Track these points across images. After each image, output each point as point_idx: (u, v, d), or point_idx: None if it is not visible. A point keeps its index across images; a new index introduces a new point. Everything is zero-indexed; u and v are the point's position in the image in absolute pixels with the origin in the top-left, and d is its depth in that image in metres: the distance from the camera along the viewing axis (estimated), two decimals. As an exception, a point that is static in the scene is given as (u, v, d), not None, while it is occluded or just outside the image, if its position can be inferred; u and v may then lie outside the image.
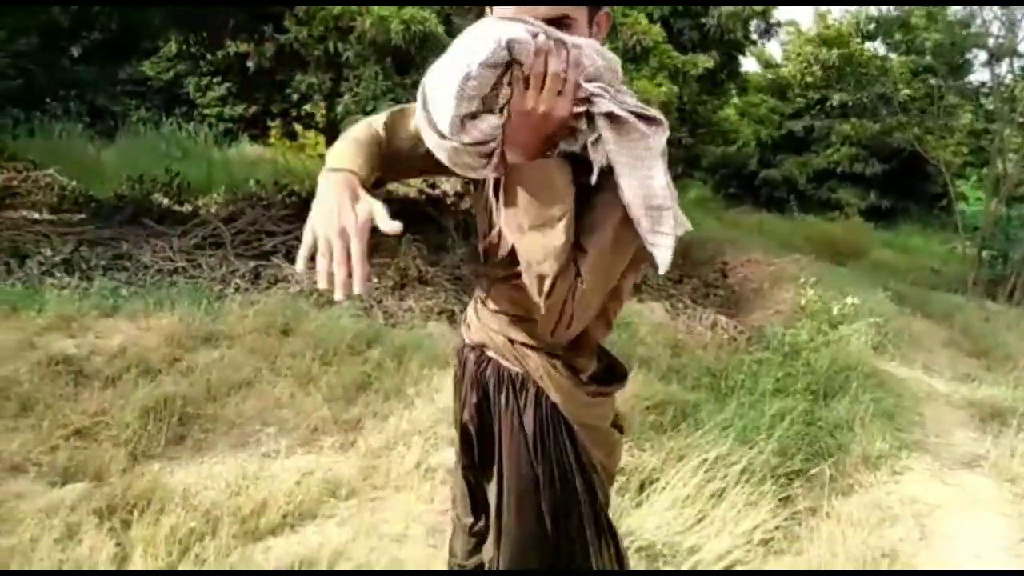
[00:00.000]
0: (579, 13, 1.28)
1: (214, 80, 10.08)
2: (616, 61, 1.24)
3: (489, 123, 1.20)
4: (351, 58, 5.40)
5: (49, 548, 2.49)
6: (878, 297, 7.05)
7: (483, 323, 1.61)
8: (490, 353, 1.60)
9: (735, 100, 14.31)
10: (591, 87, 1.19)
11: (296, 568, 2.54)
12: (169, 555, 2.53)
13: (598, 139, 1.22)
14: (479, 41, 1.15)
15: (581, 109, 1.20)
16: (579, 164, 1.27)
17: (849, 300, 6.09)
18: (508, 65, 1.16)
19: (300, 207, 7.92)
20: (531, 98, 1.18)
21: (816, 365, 5.08)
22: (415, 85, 4.48)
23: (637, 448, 3.55)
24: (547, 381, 1.50)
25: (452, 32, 5.54)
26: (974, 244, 11.18)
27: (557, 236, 1.26)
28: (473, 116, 1.20)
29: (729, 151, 15.52)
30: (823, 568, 2.93)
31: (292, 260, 6.22)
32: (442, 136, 1.23)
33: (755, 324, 6.25)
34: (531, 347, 1.51)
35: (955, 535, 3.29)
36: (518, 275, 1.39)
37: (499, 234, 1.46)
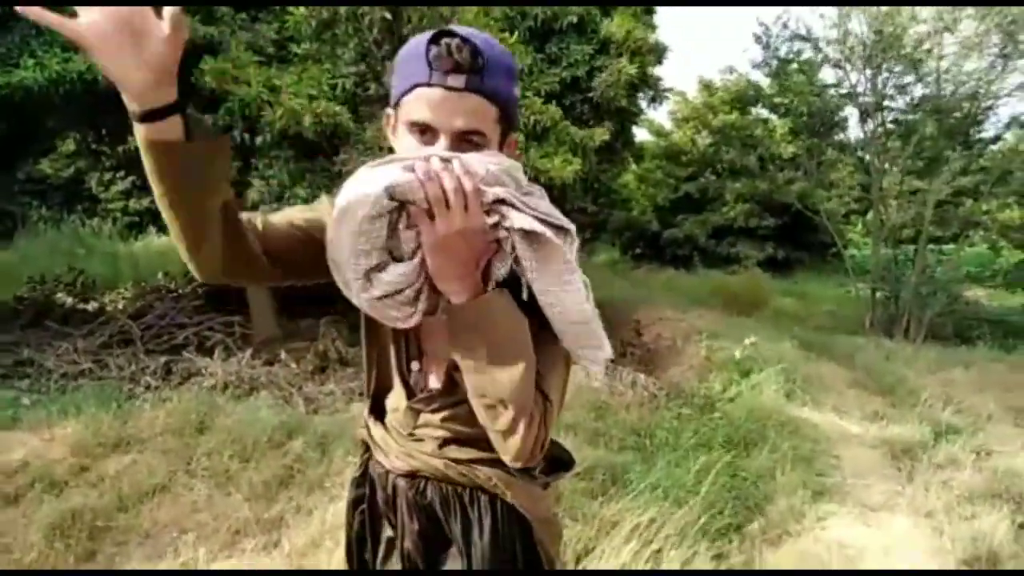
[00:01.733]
0: (492, 131, 1.23)
1: (117, 175, 9.83)
2: (514, 166, 1.18)
3: (395, 272, 1.16)
4: (264, 143, 5.40)
5: None
6: (784, 345, 7.35)
7: (408, 449, 1.48)
8: (426, 474, 1.47)
9: (632, 167, 14.94)
10: (496, 191, 1.12)
11: None
12: None
13: (517, 259, 1.17)
14: (358, 196, 1.11)
15: (493, 220, 1.13)
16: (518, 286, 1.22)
17: (747, 341, 6.33)
18: (398, 209, 1.12)
19: (211, 296, 7.73)
20: (440, 224, 1.11)
21: (733, 416, 5.23)
22: (325, 172, 4.49)
23: (570, 518, 3.55)
24: (502, 486, 1.42)
25: (360, 120, 5.63)
26: (867, 286, 11.87)
27: (515, 370, 1.19)
28: (378, 269, 1.16)
29: (632, 215, 16.14)
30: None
31: (205, 352, 6.05)
32: (361, 298, 1.20)
33: (672, 380, 6.40)
34: (480, 461, 1.42)
35: (882, 576, 3.40)
36: (459, 403, 1.34)
37: (425, 365, 1.43)
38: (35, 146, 8.36)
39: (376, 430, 1.54)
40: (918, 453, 5.07)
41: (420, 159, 1.11)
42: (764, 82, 13.45)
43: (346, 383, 5.65)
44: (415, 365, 1.43)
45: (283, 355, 6.08)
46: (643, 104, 8.45)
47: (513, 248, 1.15)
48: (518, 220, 1.11)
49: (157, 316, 6.71)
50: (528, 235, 1.13)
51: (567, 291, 1.17)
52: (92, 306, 7.40)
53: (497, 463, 1.36)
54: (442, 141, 1.19)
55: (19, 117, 5.67)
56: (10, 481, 3.60)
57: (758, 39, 12.23)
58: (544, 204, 1.17)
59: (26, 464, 3.72)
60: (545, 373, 1.25)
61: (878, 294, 11.73)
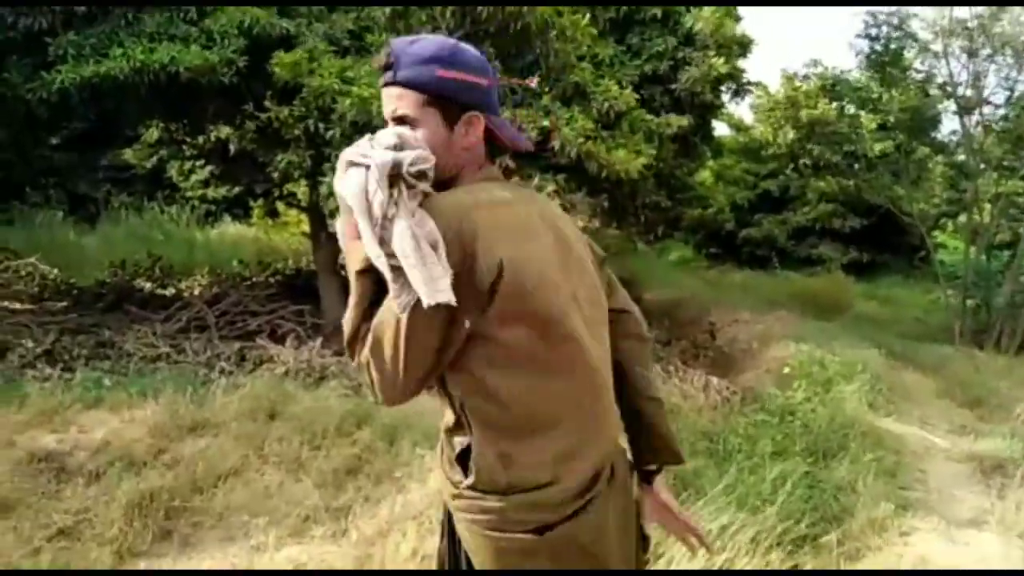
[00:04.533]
0: (420, 112, 1.44)
1: (196, 164, 10.14)
2: (399, 138, 1.39)
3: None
4: (334, 137, 5.44)
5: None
6: (868, 352, 7.04)
7: None
8: None
9: (710, 163, 14.58)
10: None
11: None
12: (156, 665, 2.40)
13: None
14: None
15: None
16: None
17: (837, 358, 6.07)
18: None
19: (283, 285, 7.89)
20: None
21: (813, 425, 5.03)
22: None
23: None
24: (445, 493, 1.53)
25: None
26: (956, 293, 11.28)
27: (351, 307, 1.41)
28: None
29: (707, 213, 15.75)
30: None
31: (277, 340, 6.16)
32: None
33: (747, 384, 6.20)
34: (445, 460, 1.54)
35: (970, 598, 3.19)
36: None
37: None
38: (120, 135, 8.68)
39: None
40: (1010, 470, 4.77)
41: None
42: (852, 76, 12.87)
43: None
44: None
45: (354, 345, 6.14)
46: (725, 98, 8.21)
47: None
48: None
49: (231, 303, 6.87)
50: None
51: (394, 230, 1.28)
52: (169, 291, 7.64)
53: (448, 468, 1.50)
54: (389, 125, 1.47)
55: (106, 107, 5.87)
56: (93, 459, 3.72)
57: (866, 27, 11.66)
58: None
59: (107, 443, 3.84)
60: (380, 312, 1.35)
61: (969, 302, 11.13)
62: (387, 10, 5.46)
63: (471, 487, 1.41)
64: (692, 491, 3.85)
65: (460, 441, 1.44)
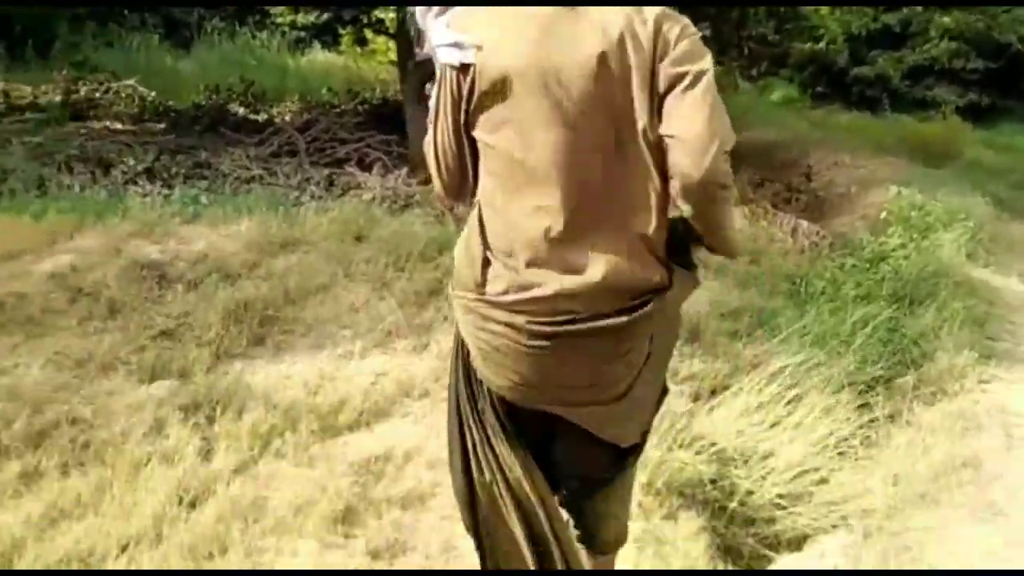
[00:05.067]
0: None
1: (286, -12, 9.97)
2: None
3: None
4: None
5: (138, 441, 2.64)
6: (974, 200, 6.63)
7: None
8: None
9: (826, -10, 13.30)
10: None
11: (372, 460, 2.63)
12: (251, 449, 2.66)
13: None
14: None
15: None
16: None
17: (939, 204, 5.74)
18: None
19: (371, 114, 7.90)
20: None
21: (903, 271, 4.85)
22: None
23: (709, 355, 3.49)
24: None
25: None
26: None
27: None
28: None
29: (818, 48, 14.51)
30: (900, 473, 2.87)
31: (364, 168, 6.25)
32: None
33: (840, 230, 5.98)
34: None
35: (1046, 446, 3.16)
36: None
37: None
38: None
39: None
40: (1107, 329, 4.55)
41: None
42: None
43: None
44: None
45: (438, 175, 6.18)
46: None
47: None
48: None
49: (321, 130, 6.95)
50: None
51: None
52: (261, 117, 7.76)
53: None
54: None
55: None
56: (192, 268, 3.95)
57: None
58: None
59: (205, 255, 4.06)
60: None
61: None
62: None
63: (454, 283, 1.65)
64: (767, 329, 3.85)
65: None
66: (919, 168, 8.09)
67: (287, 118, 7.75)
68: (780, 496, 2.68)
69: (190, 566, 2.16)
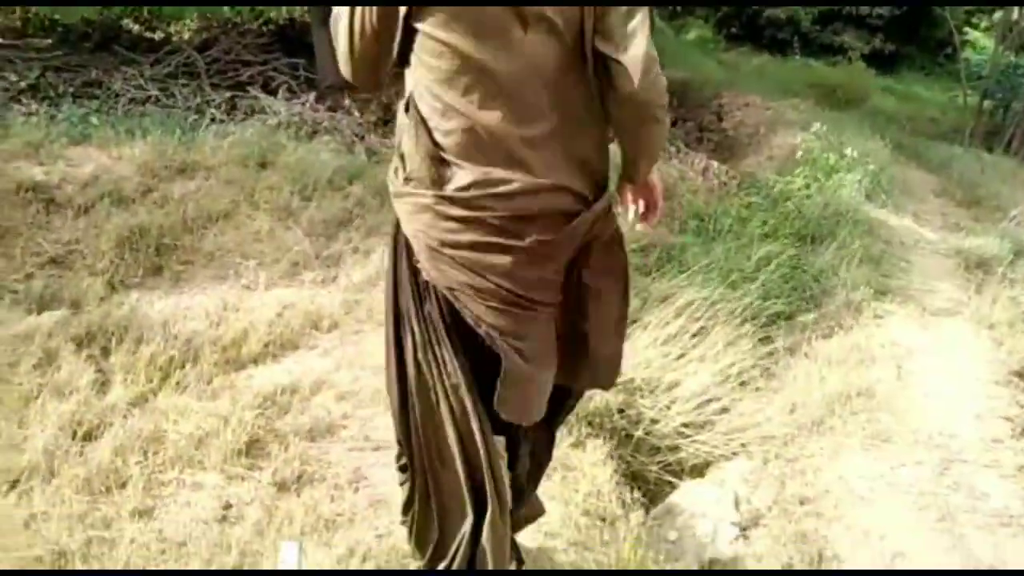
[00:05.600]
0: None
1: None
2: None
3: None
4: None
5: (28, 372, 2.48)
6: (875, 144, 6.89)
7: None
8: None
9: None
10: None
11: (278, 391, 2.55)
12: (149, 382, 2.55)
13: None
14: None
15: None
16: None
17: (848, 151, 5.94)
18: None
19: (277, 35, 7.51)
20: None
21: (806, 210, 5.02)
22: None
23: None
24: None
25: None
26: (975, 92, 10.84)
27: None
28: None
29: (732, -13, 14.68)
30: (798, 402, 3.00)
31: (269, 92, 5.95)
32: None
33: (748, 169, 6.12)
34: None
35: (931, 376, 3.36)
36: None
37: None
38: None
39: None
40: (992, 267, 4.85)
41: None
42: None
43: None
44: None
45: (347, 103, 5.95)
46: None
47: None
48: None
49: (222, 50, 6.57)
50: None
51: None
52: (158, 35, 7.26)
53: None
54: None
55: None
56: (82, 193, 3.69)
57: None
58: None
59: (96, 178, 3.79)
60: None
61: (987, 102, 10.73)
62: None
63: (406, 179, 1.51)
64: (675, 263, 3.92)
65: (400, 137, 1.53)
66: (825, 112, 8.33)
67: (185, 37, 7.28)
68: (684, 425, 2.76)
69: (85, 500, 2.06)
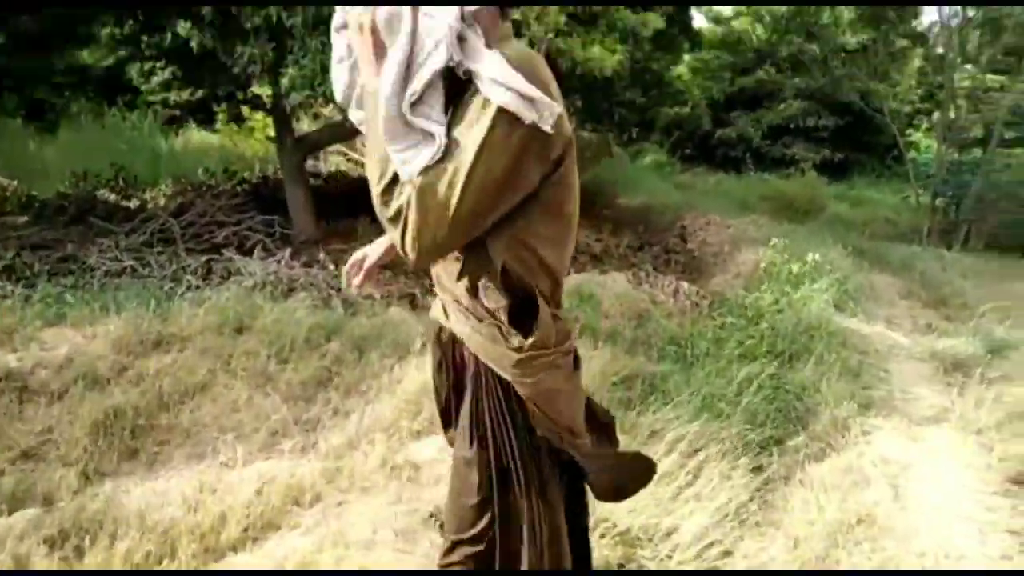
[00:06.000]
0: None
1: (157, 65, 9.63)
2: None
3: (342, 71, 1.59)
4: (296, 26, 5.17)
5: (-4, 584, 2.36)
6: (836, 252, 7.08)
7: (435, 298, 1.79)
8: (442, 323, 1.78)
9: (687, 57, 14.21)
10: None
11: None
12: (125, 582, 2.42)
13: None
14: None
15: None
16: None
17: (810, 257, 6.10)
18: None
19: (250, 195, 7.70)
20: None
21: (780, 327, 5.08)
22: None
23: (606, 428, 3.49)
24: (473, 343, 1.61)
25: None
26: (926, 192, 11.31)
27: (371, 143, 1.45)
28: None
29: (683, 112, 15.43)
30: (799, 536, 2.93)
31: (244, 252, 6.04)
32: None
33: (717, 288, 6.24)
34: (455, 306, 1.62)
35: (927, 492, 3.31)
36: None
37: None
38: (73, 33, 8.19)
39: None
40: (970, 368, 4.89)
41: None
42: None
43: (384, 286, 5.61)
44: None
45: (322, 256, 6.05)
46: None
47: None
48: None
49: (197, 214, 6.70)
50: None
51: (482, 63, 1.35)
52: (134, 203, 7.42)
53: (468, 313, 1.58)
54: None
55: (59, 4, 5.47)
56: (57, 377, 3.65)
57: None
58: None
59: (71, 360, 3.77)
60: (449, 161, 1.36)
61: (938, 200, 11.17)
62: None
63: (527, 348, 1.52)
64: (659, 395, 3.91)
65: (494, 307, 1.54)
66: (784, 225, 8.61)
67: (161, 203, 7.45)
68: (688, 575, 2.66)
69: None
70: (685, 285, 6.15)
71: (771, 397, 4.13)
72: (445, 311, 1.71)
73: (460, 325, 1.63)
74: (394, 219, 1.41)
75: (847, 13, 14.52)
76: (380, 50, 1.41)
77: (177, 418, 3.45)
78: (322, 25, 5.17)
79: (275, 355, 4.06)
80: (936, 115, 14.16)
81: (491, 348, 1.56)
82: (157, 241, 6.23)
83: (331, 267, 5.91)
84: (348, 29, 1.51)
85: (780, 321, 5.13)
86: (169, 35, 6.88)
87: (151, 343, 4.03)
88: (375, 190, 1.45)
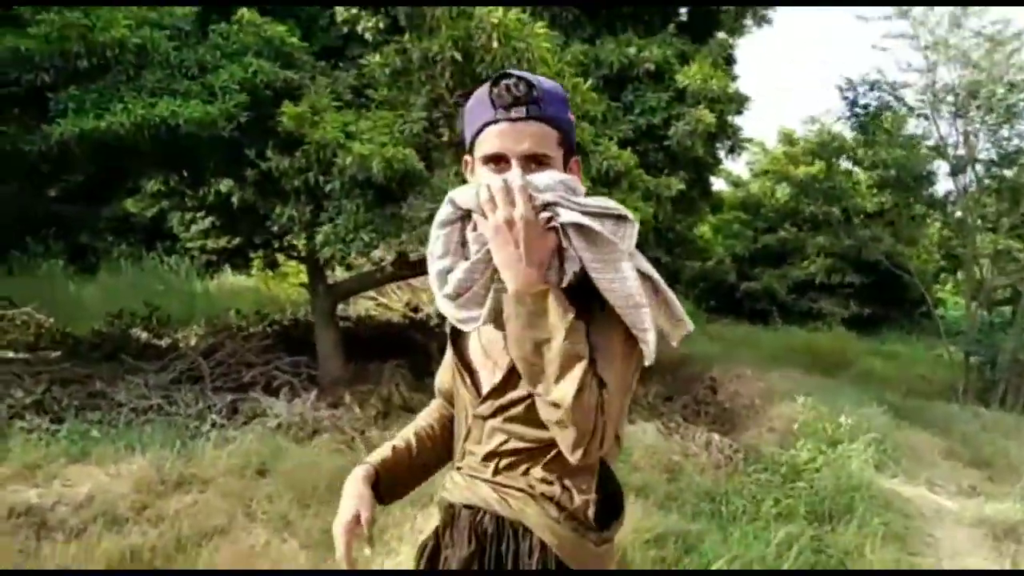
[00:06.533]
0: (556, 153, 1.40)
1: (197, 215, 10.15)
2: (570, 179, 1.37)
3: (462, 268, 1.36)
4: (334, 190, 5.45)
5: None
6: (871, 410, 6.92)
7: (469, 481, 1.52)
8: (483, 507, 1.50)
9: (709, 218, 14.61)
10: (546, 196, 1.30)
11: None
12: None
13: (571, 251, 1.32)
14: (436, 216, 1.39)
15: (546, 215, 1.30)
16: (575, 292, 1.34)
17: (843, 420, 5.97)
18: (462, 218, 1.37)
19: (280, 336, 7.81)
20: (491, 217, 1.29)
21: (818, 486, 4.90)
22: (394, 216, 4.49)
23: (640, 589, 3.32)
24: (549, 536, 1.42)
25: (431, 166, 5.61)
26: (959, 349, 11.16)
27: (566, 359, 1.28)
28: (450, 270, 1.37)
29: (707, 266, 15.72)
30: None
31: (271, 392, 6.06)
32: (440, 298, 1.40)
33: (750, 442, 6.06)
34: (527, 494, 1.44)
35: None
36: (518, 401, 1.41)
37: (474, 372, 1.51)
38: (121, 186, 8.68)
39: (451, 478, 1.59)
40: (1021, 534, 4.63)
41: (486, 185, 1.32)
42: (848, 134, 13.00)
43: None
44: (478, 368, 1.52)
45: (347, 398, 6.04)
46: (721, 154, 8.23)
47: (570, 241, 1.31)
48: (566, 215, 1.30)
49: (227, 354, 6.78)
50: (579, 228, 1.30)
51: (618, 275, 1.31)
52: (165, 342, 7.55)
53: (545, 500, 1.42)
54: (513, 165, 1.37)
55: (106, 159, 5.85)
56: (76, 514, 3.60)
57: (842, 92, 11.86)
58: (595, 201, 1.33)
59: (92, 498, 3.72)
60: (602, 361, 1.31)
61: (972, 358, 11.01)
62: (388, 69, 5.50)
63: (606, 539, 1.44)
64: (696, 555, 3.72)
65: (586, 499, 1.43)
66: (815, 379, 8.49)
67: (192, 342, 7.57)
68: None
69: None
70: (717, 437, 5.99)
71: (812, 562, 3.92)
72: (495, 494, 1.49)
73: (535, 516, 1.43)
74: (577, 421, 1.27)
75: (865, 180, 14.99)
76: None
77: (194, 561, 3.34)
78: (357, 189, 5.44)
79: (296, 500, 3.97)
80: (961, 274, 14.24)
81: (573, 542, 1.42)
82: (186, 380, 6.27)
83: (356, 409, 5.88)
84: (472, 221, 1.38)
85: (818, 480, 4.95)
86: (213, 191, 7.31)
87: (173, 484, 3.98)
88: (555, 388, 1.29)
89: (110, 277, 10.92)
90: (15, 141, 5.22)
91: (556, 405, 1.27)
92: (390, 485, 1.61)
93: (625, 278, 1.31)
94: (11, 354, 6.75)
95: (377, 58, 5.54)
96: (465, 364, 1.54)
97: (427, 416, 1.74)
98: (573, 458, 1.30)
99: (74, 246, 12.68)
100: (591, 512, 1.43)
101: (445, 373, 1.67)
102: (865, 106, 11.79)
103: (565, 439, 1.30)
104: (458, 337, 1.54)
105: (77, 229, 12.47)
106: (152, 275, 11.21)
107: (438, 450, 1.67)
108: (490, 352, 1.47)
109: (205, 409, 5.47)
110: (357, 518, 1.54)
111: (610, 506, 1.48)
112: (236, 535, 3.62)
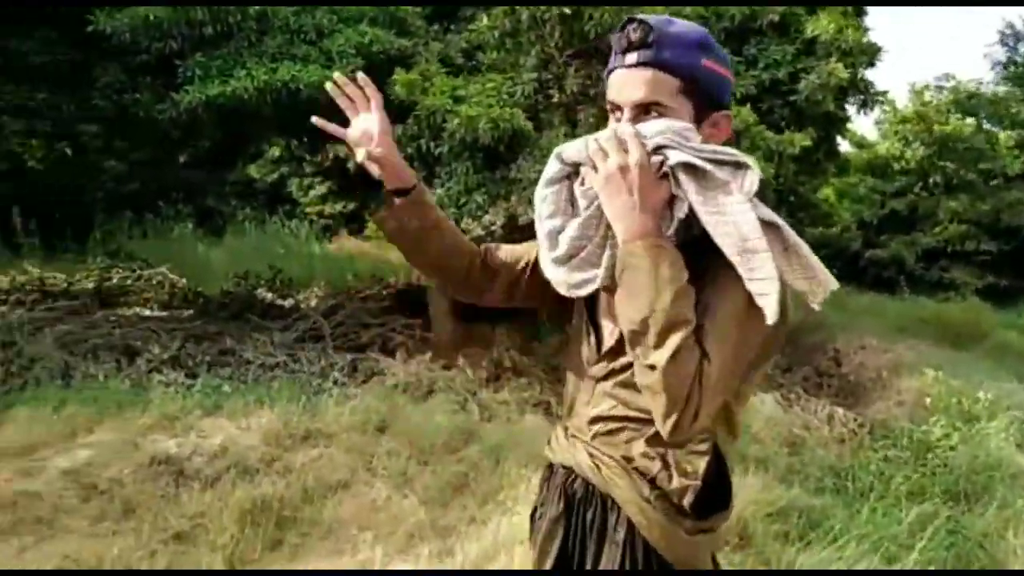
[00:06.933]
0: (674, 101, 1.30)
1: (315, 180, 10.51)
2: (684, 126, 1.27)
3: (573, 227, 1.31)
4: (443, 154, 5.48)
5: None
6: (1013, 387, 6.43)
7: (571, 441, 1.52)
8: (577, 470, 1.50)
9: (833, 181, 13.86)
10: (656, 140, 1.23)
11: None
12: None
13: (679, 194, 1.23)
14: (543, 173, 1.35)
15: (657, 158, 1.23)
16: (691, 250, 1.25)
17: (982, 395, 5.57)
18: (569, 175, 1.33)
19: (396, 299, 8.00)
20: (601, 167, 1.24)
21: (953, 464, 4.60)
22: (504, 179, 4.46)
23: (761, 563, 3.21)
24: (636, 514, 1.38)
25: (540, 127, 5.54)
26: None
27: (669, 322, 1.18)
28: (560, 230, 1.32)
29: (830, 232, 14.93)
30: None
31: (387, 353, 6.22)
32: (549, 262, 1.35)
33: (877, 417, 5.76)
34: (621, 466, 1.40)
35: None
36: (625, 368, 1.36)
37: (599, 330, 1.47)
38: (244, 151, 9.04)
39: (555, 436, 1.59)
40: None
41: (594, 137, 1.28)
42: (988, 89, 11.97)
43: (519, 393, 5.56)
44: (603, 327, 1.46)
45: (460, 360, 6.12)
46: (851, 110, 7.72)
47: (679, 184, 1.22)
48: (675, 156, 1.22)
49: (346, 315, 6.99)
50: (688, 168, 1.21)
51: (731, 217, 1.19)
52: (288, 303, 7.86)
53: (643, 479, 1.37)
54: (625, 114, 1.32)
55: (231, 125, 6.08)
56: (211, 464, 3.81)
57: (1003, 37, 10.82)
58: (711, 146, 1.25)
59: (225, 449, 3.92)
60: (710, 327, 1.22)
61: None
62: (497, 32, 5.45)
63: (703, 528, 1.40)
64: (820, 532, 3.57)
65: (686, 484, 1.37)
66: (946, 351, 7.97)
67: (313, 303, 7.85)
68: None
69: None
70: (840, 411, 5.73)
71: (948, 543, 3.69)
72: (590, 460, 1.46)
73: (626, 491, 1.39)
74: (668, 387, 1.19)
75: (1004, 140, 13.82)
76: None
77: (320, 513, 3.48)
78: (466, 152, 5.44)
79: (415, 456, 4.07)
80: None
81: (663, 525, 1.36)
82: (308, 339, 6.51)
83: (468, 371, 5.95)
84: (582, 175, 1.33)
85: (953, 458, 4.65)
86: (331, 156, 7.52)
87: (299, 437, 4.15)
88: (657, 346, 1.20)
89: (235, 240, 11.46)
90: (148, 109, 5.49)
91: (652, 367, 1.19)
92: (415, 202, 1.55)
93: (739, 221, 1.18)
94: (147, 312, 7.19)
95: (486, 20, 5.50)
96: (594, 322, 1.48)
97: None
98: (664, 430, 1.21)
99: (202, 210, 13.40)
100: (689, 498, 1.35)
101: (519, 251, 1.61)
102: (1021, 54, 10.79)
103: (657, 407, 1.21)
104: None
105: (204, 194, 13.14)
106: (274, 238, 11.71)
107: (449, 245, 1.57)
108: (611, 312, 1.40)
109: (327, 367, 5.66)
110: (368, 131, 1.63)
111: (716, 496, 1.40)
112: (358, 489, 3.75)
